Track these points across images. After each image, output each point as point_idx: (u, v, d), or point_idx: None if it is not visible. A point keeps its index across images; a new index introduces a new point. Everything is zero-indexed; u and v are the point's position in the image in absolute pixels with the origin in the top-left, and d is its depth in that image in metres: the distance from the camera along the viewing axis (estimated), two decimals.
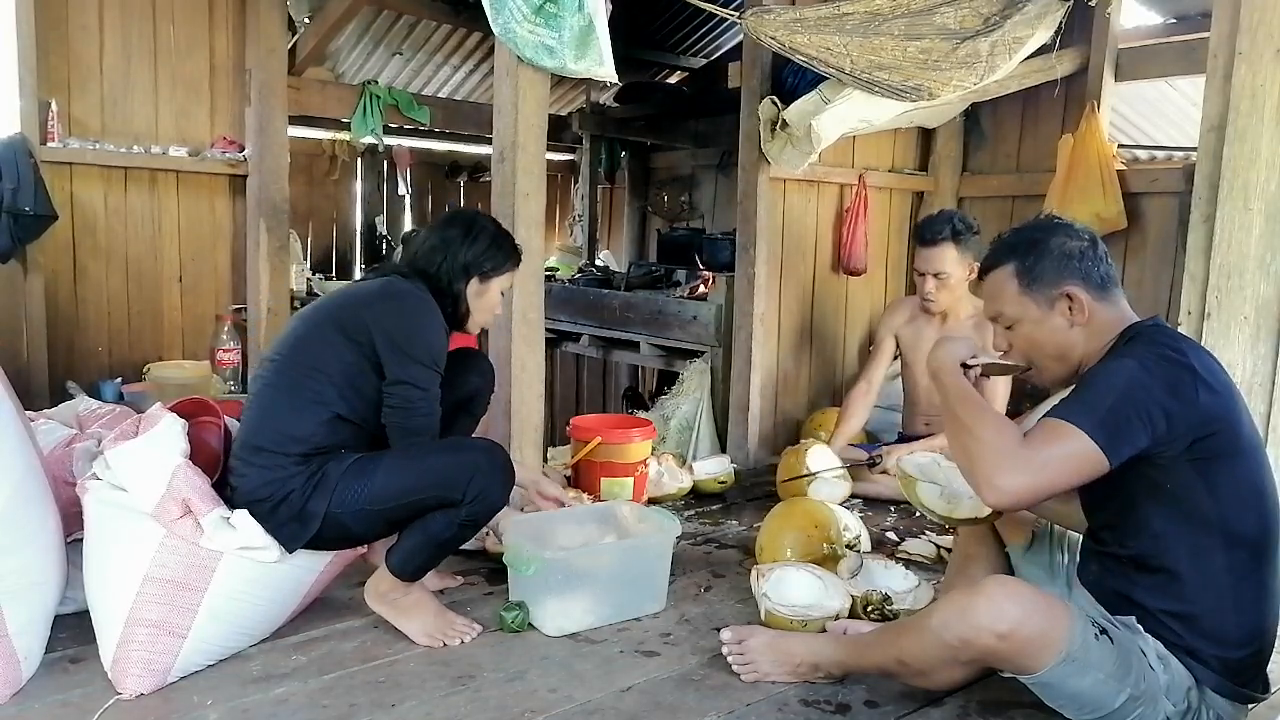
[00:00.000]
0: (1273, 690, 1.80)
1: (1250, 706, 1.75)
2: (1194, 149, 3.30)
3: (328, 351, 2.11)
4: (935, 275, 3.28)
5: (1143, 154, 4.18)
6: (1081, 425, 1.61)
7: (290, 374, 2.12)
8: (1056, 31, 3.52)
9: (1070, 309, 1.79)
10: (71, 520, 2.09)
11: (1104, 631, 1.67)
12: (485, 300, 2.37)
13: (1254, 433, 1.73)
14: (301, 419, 2.07)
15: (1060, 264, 1.80)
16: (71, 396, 3.44)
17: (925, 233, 3.31)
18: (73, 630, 2.08)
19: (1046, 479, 1.61)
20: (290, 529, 2.02)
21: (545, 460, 3.02)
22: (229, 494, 2.04)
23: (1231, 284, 3.03)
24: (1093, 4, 3.42)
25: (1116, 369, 1.67)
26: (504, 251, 2.37)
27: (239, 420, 2.17)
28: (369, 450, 2.13)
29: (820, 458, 3.28)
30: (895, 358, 3.68)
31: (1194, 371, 1.63)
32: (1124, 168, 3.91)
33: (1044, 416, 1.69)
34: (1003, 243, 1.91)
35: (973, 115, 4.47)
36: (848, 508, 3.09)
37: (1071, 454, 1.60)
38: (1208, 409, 1.62)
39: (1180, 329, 3.17)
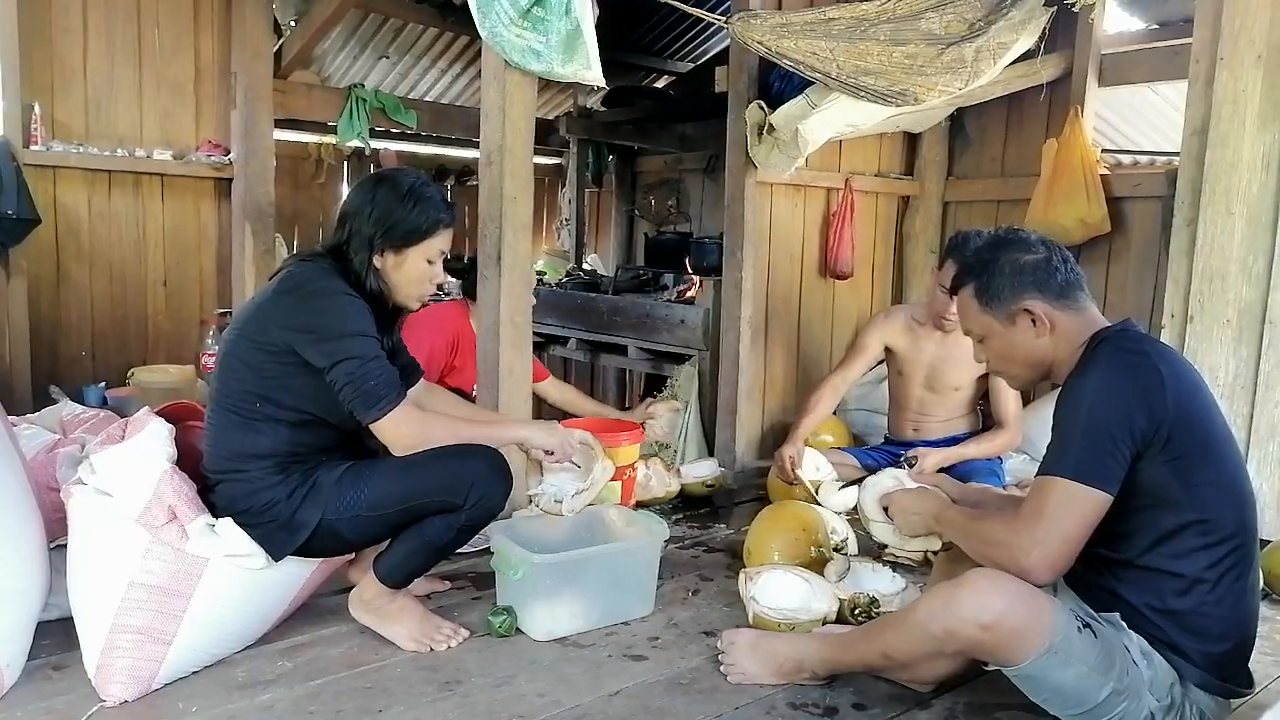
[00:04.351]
0: (1256, 686, 1.82)
1: (1233, 701, 1.78)
2: (1177, 154, 3.33)
3: (251, 372, 2.02)
4: None
5: (1126, 158, 4.21)
6: (1063, 473, 1.66)
7: (229, 399, 2.04)
8: (1041, 37, 3.55)
9: (1033, 321, 1.84)
10: (55, 526, 2.07)
11: (1087, 625, 1.69)
12: (405, 273, 2.11)
13: (1226, 429, 1.76)
14: (260, 438, 2.02)
15: (1014, 280, 1.85)
16: (55, 401, 3.42)
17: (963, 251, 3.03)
18: (56, 637, 2.06)
19: (1062, 537, 1.65)
20: (278, 538, 2.00)
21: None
22: (211, 501, 2.02)
23: (1214, 287, 3.06)
24: (1076, 9, 3.44)
25: (1076, 396, 1.71)
26: (413, 219, 2.08)
27: None
28: (352, 442, 2.10)
29: (812, 462, 3.28)
30: (877, 364, 3.68)
31: (1159, 374, 1.66)
32: (1107, 172, 3.94)
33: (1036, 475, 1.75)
34: (964, 262, 2.00)
35: (958, 120, 4.49)
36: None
37: (1068, 504, 1.65)
38: (1177, 409, 1.65)
39: (1163, 332, 3.19)
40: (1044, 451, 1.76)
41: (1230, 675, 1.73)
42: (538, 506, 2.37)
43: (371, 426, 2.00)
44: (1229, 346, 3.05)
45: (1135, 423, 1.63)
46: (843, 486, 3.07)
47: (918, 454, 3.25)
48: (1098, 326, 1.82)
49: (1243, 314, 3.02)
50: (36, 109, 3.75)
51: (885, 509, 2.27)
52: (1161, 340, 3.17)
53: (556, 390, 3.74)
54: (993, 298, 1.88)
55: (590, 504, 2.43)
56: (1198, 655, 1.69)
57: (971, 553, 1.83)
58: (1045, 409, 3.80)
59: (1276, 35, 2.93)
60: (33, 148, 3.74)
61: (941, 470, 3.28)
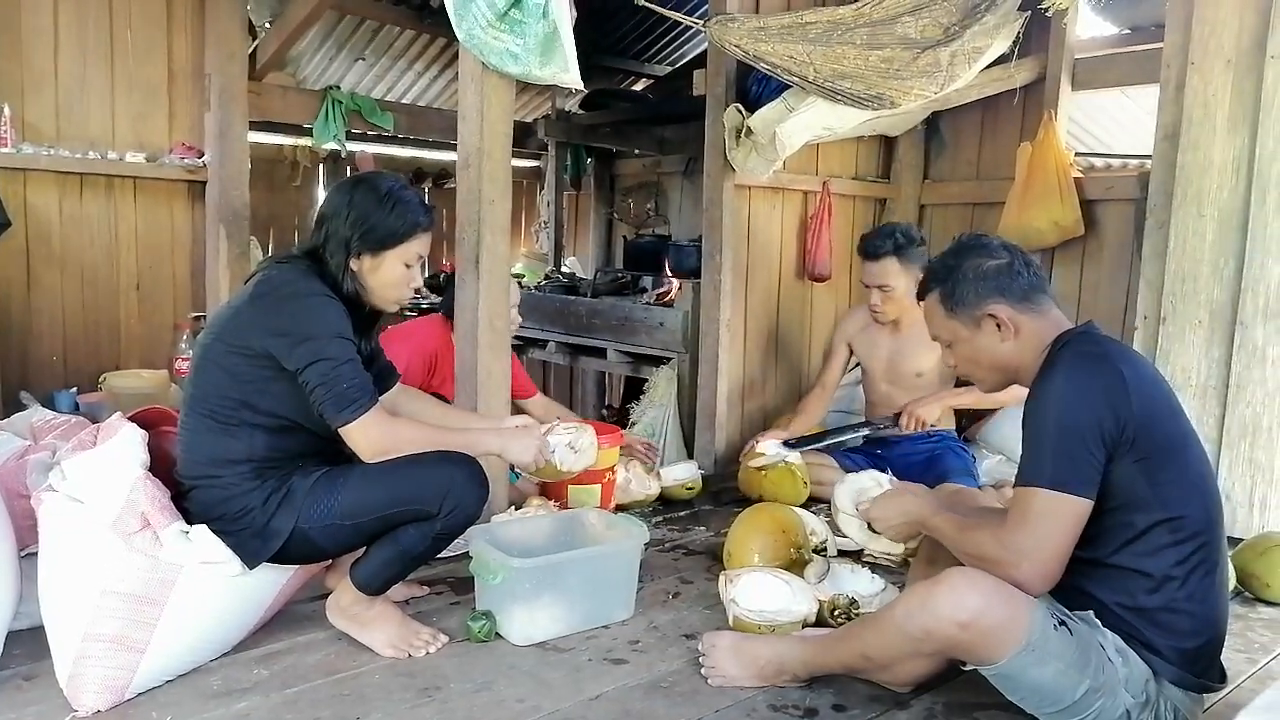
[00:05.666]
0: (1229, 681, 1.84)
1: (1206, 697, 1.80)
2: (1149, 157, 3.37)
3: (227, 377, 1.99)
4: (880, 288, 3.33)
5: (1099, 161, 4.27)
6: (1040, 483, 1.68)
7: (205, 404, 2.01)
8: (1015, 41, 3.59)
9: (998, 326, 1.87)
10: (25, 533, 2.04)
11: (1063, 623, 1.71)
12: (381, 277, 2.11)
13: (1189, 427, 1.79)
14: (236, 443, 2.00)
15: (978, 286, 1.88)
16: (25, 407, 3.36)
17: (868, 247, 3.36)
18: (27, 646, 2.03)
19: (1051, 547, 1.68)
20: (253, 545, 1.98)
21: (512, 469, 3.00)
22: (185, 507, 2.00)
23: (1186, 289, 3.10)
24: (1049, 14, 3.48)
25: (1043, 403, 1.73)
26: (390, 222, 2.07)
27: None
28: (330, 448, 2.08)
29: (769, 446, 3.35)
30: (855, 365, 3.72)
31: (1121, 375, 1.69)
32: (1081, 175, 3.99)
33: (1014, 487, 1.77)
34: (929, 269, 2.02)
35: (934, 123, 4.53)
36: (815, 512, 3.11)
37: (1050, 514, 1.67)
38: (1141, 409, 1.68)
39: (1136, 334, 3.23)
40: (1018, 455, 1.77)
41: (1203, 671, 1.75)
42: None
43: (340, 430, 1.98)
44: (1201, 348, 3.09)
45: (1104, 425, 1.66)
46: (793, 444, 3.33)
47: (901, 409, 3.29)
48: (1061, 329, 1.85)
49: (1214, 315, 3.07)
50: (6, 110, 3.70)
51: (865, 513, 2.28)
52: (1133, 342, 3.22)
53: (542, 410, 3.62)
54: (958, 303, 1.90)
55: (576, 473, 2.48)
56: (1170, 652, 1.71)
57: (965, 559, 1.84)
58: (1015, 411, 3.83)
59: (1246, 40, 2.97)
60: (2, 150, 3.68)
61: (916, 463, 3.34)
